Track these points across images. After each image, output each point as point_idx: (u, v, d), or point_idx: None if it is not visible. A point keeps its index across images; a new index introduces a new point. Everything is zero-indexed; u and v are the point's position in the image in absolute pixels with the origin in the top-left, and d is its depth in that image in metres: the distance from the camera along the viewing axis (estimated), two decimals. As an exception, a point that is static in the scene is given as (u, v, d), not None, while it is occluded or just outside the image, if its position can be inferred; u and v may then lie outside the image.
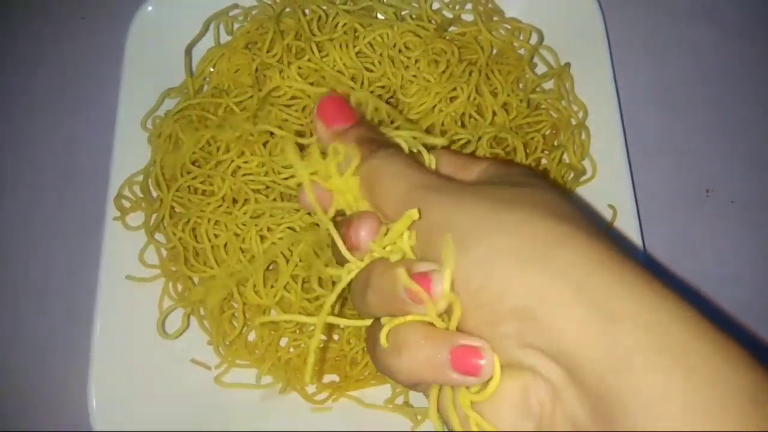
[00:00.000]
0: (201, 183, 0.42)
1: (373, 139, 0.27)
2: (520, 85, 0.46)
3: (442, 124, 0.42)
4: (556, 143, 0.44)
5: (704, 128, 0.49)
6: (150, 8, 0.46)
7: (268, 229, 0.41)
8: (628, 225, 0.42)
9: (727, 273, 0.45)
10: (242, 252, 0.41)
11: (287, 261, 0.40)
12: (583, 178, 0.44)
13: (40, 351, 0.44)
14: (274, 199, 0.41)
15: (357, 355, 0.41)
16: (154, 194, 0.43)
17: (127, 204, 0.43)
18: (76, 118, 0.49)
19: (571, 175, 0.44)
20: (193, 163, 0.42)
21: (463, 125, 0.43)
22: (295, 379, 0.41)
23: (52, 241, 0.46)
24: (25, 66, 0.51)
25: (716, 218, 0.47)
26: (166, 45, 0.46)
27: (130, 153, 0.44)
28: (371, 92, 0.42)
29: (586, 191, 0.43)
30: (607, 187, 0.43)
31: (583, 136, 0.44)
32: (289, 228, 0.41)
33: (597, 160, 0.44)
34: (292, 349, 0.42)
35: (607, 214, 0.42)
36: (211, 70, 0.46)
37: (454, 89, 0.43)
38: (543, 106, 0.46)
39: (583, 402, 0.19)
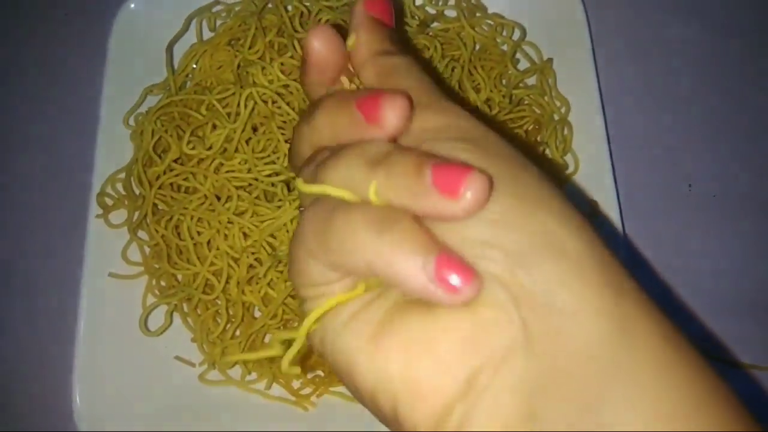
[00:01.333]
0: (184, 180, 0.42)
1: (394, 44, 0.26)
2: (503, 81, 0.46)
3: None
4: (538, 139, 0.45)
5: (686, 123, 0.49)
6: (133, 5, 0.46)
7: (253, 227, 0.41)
8: (610, 220, 0.42)
9: (708, 267, 0.46)
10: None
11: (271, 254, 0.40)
12: (566, 173, 0.44)
13: (23, 350, 0.44)
14: (257, 197, 0.41)
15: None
16: (137, 191, 0.43)
17: (110, 201, 0.43)
18: (59, 115, 0.49)
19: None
20: (175, 160, 0.42)
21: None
22: (279, 375, 0.41)
23: (35, 239, 0.46)
24: (7, 63, 0.50)
25: (698, 213, 0.47)
26: (150, 41, 0.45)
27: (113, 150, 0.44)
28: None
29: (568, 186, 0.43)
30: (590, 182, 0.43)
31: (566, 132, 0.45)
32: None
33: (579, 155, 0.44)
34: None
35: (589, 209, 0.42)
36: (194, 66, 0.46)
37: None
38: (526, 102, 0.46)
39: None
